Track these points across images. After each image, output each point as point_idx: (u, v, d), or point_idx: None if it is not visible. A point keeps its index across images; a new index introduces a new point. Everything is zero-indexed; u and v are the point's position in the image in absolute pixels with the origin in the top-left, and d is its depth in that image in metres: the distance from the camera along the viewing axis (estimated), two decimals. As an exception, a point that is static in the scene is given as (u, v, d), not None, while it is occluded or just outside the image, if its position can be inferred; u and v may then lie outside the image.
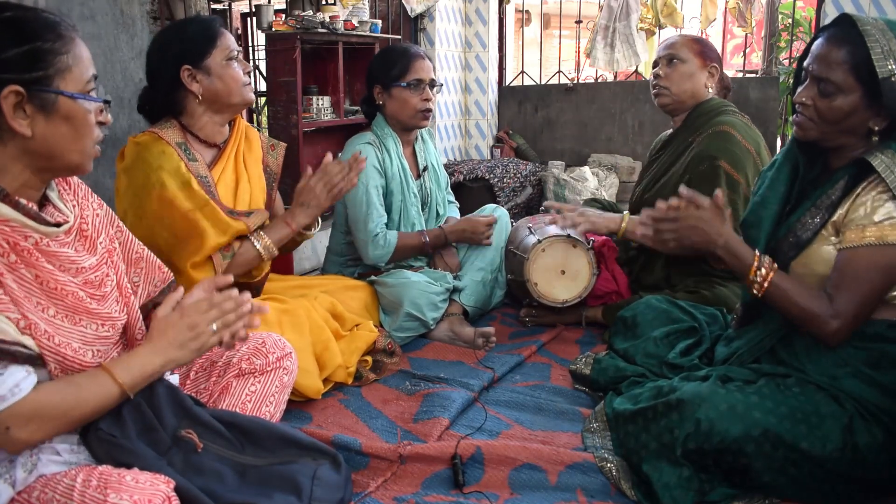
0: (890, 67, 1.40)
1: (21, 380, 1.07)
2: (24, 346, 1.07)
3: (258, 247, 1.93)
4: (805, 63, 1.53)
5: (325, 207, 2.03)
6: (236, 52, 1.90)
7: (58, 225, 1.17)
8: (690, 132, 2.44)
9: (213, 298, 1.28)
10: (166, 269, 1.47)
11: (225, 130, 1.98)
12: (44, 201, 1.19)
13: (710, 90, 2.46)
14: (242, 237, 1.92)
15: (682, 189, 1.58)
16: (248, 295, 1.31)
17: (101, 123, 1.18)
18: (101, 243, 1.27)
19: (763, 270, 1.50)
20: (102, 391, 1.15)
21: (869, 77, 1.42)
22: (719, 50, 2.53)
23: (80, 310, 1.17)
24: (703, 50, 2.45)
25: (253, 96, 1.99)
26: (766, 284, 1.50)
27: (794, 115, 1.56)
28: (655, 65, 2.50)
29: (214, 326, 1.26)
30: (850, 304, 1.43)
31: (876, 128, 1.46)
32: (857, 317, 1.44)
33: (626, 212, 2.36)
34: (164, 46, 1.87)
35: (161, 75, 1.86)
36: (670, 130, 2.63)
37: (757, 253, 1.53)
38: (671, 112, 2.51)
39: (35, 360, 1.09)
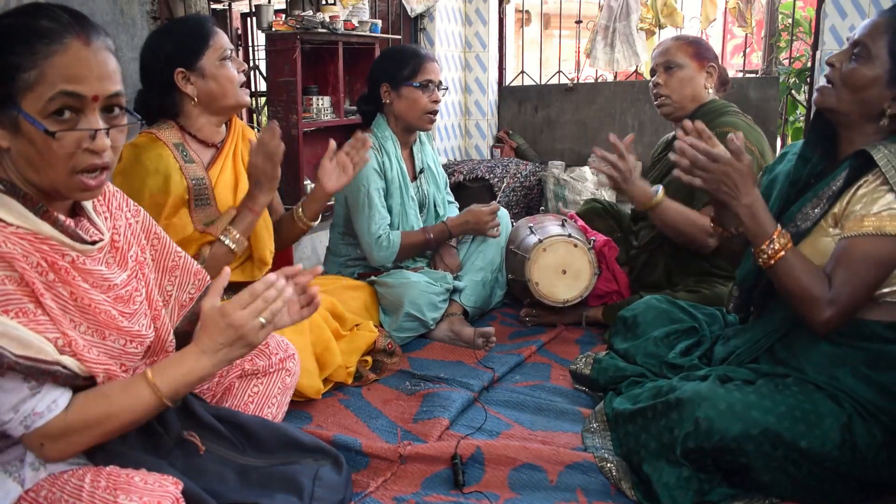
0: None
1: (58, 396, 1.06)
2: (64, 367, 1.05)
3: (227, 242, 1.85)
4: (851, 33, 1.54)
5: (276, 177, 1.89)
6: (230, 51, 1.87)
7: (93, 243, 1.14)
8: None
9: (254, 289, 1.17)
10: (203, 274, 1.42)
11: (222, 130, 1.97)
12: (77, 210, 1.17)
13: (710, 90, 2.45)
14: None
15: (732, 136, 1.54)
16: (281, 280, 1.20)
17: (90, 151, 1.06)
18: (131, 256, 1.24)
19: (779, 243, 1.49)
20: (138, 402, 1.11)
21: None
22: (719, 50, 2.51)
23: (111, 326, 1.14)
24: (697, 51, 2.43)
25: (248, 98, 1.96)
26: (778, 255, 1.48)
27: (818, 83, 1.57)
28: (653, 73, 2.49)
29: (263, 319, 1.16)
30: (843, 293, 1.43)
31: (889, 111, 1.47)
32: (848, 306, 1.44)
33: (661, 188, 2.28)
34: (156, 49, 1.85)
35: (155, 79, 1.84)
36: (672, 133, 2.63)
37: (779, 227, 1.51)
38: (674, 120, 2.50)
39: (75, 380, 1.08)
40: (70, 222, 1.12)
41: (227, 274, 1.23)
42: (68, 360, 1.07)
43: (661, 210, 2.25)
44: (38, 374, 1.03)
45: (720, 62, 2.49)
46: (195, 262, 1.42)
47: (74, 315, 1.10)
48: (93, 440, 1.10)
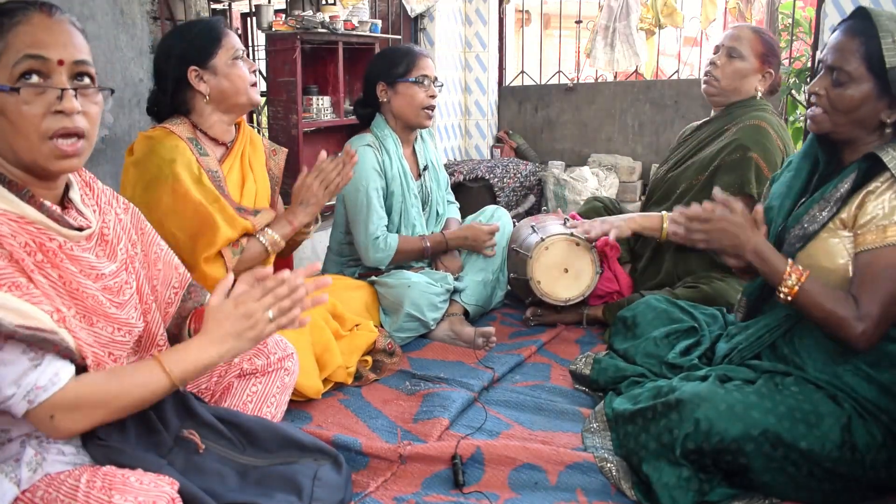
0: None
1: (60, 368, 1.07)
2: (62, 337, 1.07)
3: (264, 241, 1.95)
4: (820, 55, 1.54)
5: (322, 204, 2.04)
6: (241, 52, 1.92)
7: (80, 229, 1.16)
8: (727, 122, 2.46)
9: (266, 284, 1.22)
10: (183, 269, 1.45)
11: (232, 130, 2.01)
12: (66, 203, 1.19)
13: (759, 92, 2.45)
14: (248, 234, 1.94)
15: (717, 192, 1.58)
16: (300, 277, 1.25)
17: (61, 113, 1.08)
18: (121, 249, 1.26)
19: (794, 278, 1.49)
20: (151, 382, 1.13)
21: (880, 68, 1.43)
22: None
23: (99, 313, 1.16)
24: (765, 52, 2.42)
25: (259, 98, 2.02)
26: (794, 291, 1.49)
27: (808, 109, 1.57)
28: (716, 50, 2.48)
29: (271, 314, 1.21)
30: (873, 305, 1.42)
31: (888, 120, 1.47)
32: (882, 318, 1.42)
33: (663, 212, 2.36)
34: (170, 48, 1.90)
35: (168, 77, 1.89)
36: (700, 122, 2.67)
37: (790, 262, 1.52)
38: (713, 103, 2.53)
39: (72, 353, 1.09)
40: (56, 208, 1.13)
41: (231, 278, 1.27)
42: (65, 333, 1.08)
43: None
44: (38, 342, 1.03)
45: (779, 70, 2.50)
46: (175, 257, 1.44)
47: (64, 298, 1.11)
48: (105, 416, 1.11)
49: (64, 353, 1.07)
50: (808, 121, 1.57)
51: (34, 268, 1.07)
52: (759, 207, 1.61)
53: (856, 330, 1.43)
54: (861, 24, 1.47)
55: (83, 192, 1.24)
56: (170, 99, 1.91)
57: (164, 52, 1.91)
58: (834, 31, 1.55)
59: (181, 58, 1.87)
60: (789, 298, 1.50)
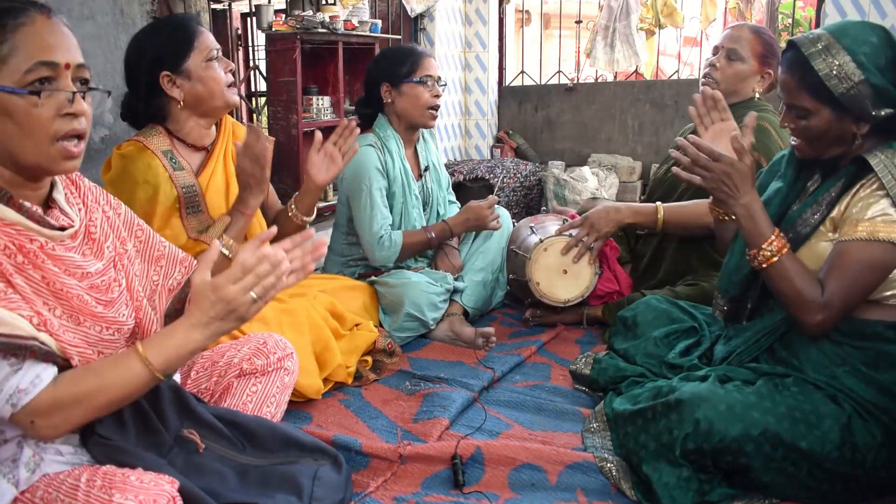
0: (844, 84, 1.43)
1: (42, 371, 1.06)
2: (41, 342, 1.06)
3: (223, 250, 1.82)
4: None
5: (265, 180, 1.85)
6: (216, 52, 1.84)
7: (62, 229, 1.15)
8: None
9: (245, 263, 1.13)
10: (189, 260, 1.42)
11: (212, 132, 1.94)
12: (49, 203, 1.18)
13: (757, 93, 2.45)
14: None
15: (735, 136, 1.56)
16: (279, 254, 1.14)
17: (71, 115, 1.09)
18: (108, 247, 1.25)
19: (775, 246, 1.50)
20: (130, 375, 1.10)
21: (829, 95, 1.45)
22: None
23: (85, 312, 1.15)
24: (764, 53, 2.42)
25: (236, 98, 1.92)
26: (772, 260, 1.50)
27: (791, 139, 1.61)
28: (715, 51, 2.47)
29: (254, 294, 1.12)
30: (835, 295, 1.44)
31: (859, 132, 1.48)
32: (840, 310, 1.45)
33: (658, 203, 2.35)
34: (140, 52, 1.81)
35: (140, 82, 1.80)
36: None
37: (777, 231, 1.52)
38: None
39: (54, 357, 1.08)
40: (37, 209, 1.13)
41: (217, 247, 1.21)
42: (45, 337, 1.07)
43: (667, 223, 2.32)
44: (15, 349, 1.03)
45: (777, 71, 2.50)
46: (181, 251, 1.42)
47: (48, 298, 1.11)
48: (85, 415, 1.10)
49: (44, 357, 1.06)
50: (794, 151, 1.61)
51: (14, 271, 1.06)
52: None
53: (815, 317, 1.45)
54: (795, 55, 1.49)
55: (68, 190, 1.24)
56: (143, 105, 1.83)
57: (135, 56, 1.81)
58: (780, 66, 1.57)
59: (152, 62, 1.77)
60: (764, 265, 1.51)
